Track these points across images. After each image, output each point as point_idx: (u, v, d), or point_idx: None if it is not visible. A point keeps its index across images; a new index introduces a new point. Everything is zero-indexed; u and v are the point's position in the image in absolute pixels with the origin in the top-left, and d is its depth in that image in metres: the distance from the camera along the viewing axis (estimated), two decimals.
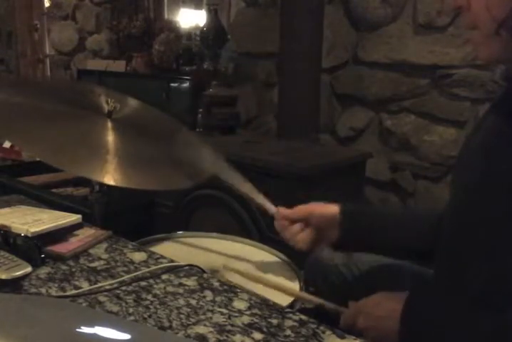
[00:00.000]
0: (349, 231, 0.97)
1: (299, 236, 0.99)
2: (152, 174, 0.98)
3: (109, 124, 0.99)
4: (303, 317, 0.72)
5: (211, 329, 0.68)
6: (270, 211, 1.03)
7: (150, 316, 0.71)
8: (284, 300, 0.88)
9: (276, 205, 1.04)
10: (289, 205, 1.03)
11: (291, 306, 0.89)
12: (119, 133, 0.98)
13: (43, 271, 0.83)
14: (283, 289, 0.93)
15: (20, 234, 0.85)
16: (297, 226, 0.99)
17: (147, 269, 0.85)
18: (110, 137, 0.97)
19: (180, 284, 0.81)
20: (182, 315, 0.71)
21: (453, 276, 0.80)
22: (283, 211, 1.02)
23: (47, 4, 4.06)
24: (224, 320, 0.71)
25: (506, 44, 0.68)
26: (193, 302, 0.75)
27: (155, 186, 1.05)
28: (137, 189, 0.92)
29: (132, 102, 1.13)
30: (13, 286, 0.76)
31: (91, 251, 0.92)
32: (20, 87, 1.08)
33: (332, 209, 0.99)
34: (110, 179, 0.88)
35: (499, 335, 0.68)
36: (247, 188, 1.04)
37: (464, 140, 0.85)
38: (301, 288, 0.98)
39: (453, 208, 0.83)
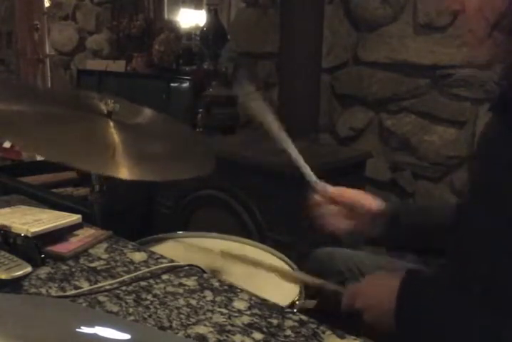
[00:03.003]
0: (392, 234, 0.97)
1: (335, 220, 0.99)
2: (156, 167, 0.99)
3: (110, 123, 1.00)
4: (303, 317, 0.72)
5: (211, 329, 0.68)
6: (312, 180, 1.03)
7: (150, 316, 0.71)
8: (284, 300, 0.88)
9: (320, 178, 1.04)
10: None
11: (291, 305, 0.89)
12: (121, 132, 0.99)
13: (43, 271, 0.83)
14: (282, 272, 0.94)
15: (20, 234, 0.85)
16: (335, 208, 0.99)
17: (147, 269, 0.85)
18: (113, 135, 0.97)
19: (180, 284, 0.81)
20: (182, 315, 0.72)
21: (457, 271, 0.80)
22: (329, 188, 1.01)
23: (47, 4, 4.05)
24: (224, 320, 0.71)
25: (500, 45, 0.71)
26: (193, 302, 0.76)
27: (160, 177, 1.07)
28: (143, 182, 0.92)
29: (145, 111, 1.15)
30: (13, 286, 0.76)
31: (91, 251, 0.92)
32: (22, 93, 1.09)
33: (380, 205, 0.98)
34: (119, 172, 0.89)
35: (496, 336, 0.68)
36: (294, 154, 1.04)
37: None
38: (300, 289, 0.98)
39: (460, 206, 0.84)
